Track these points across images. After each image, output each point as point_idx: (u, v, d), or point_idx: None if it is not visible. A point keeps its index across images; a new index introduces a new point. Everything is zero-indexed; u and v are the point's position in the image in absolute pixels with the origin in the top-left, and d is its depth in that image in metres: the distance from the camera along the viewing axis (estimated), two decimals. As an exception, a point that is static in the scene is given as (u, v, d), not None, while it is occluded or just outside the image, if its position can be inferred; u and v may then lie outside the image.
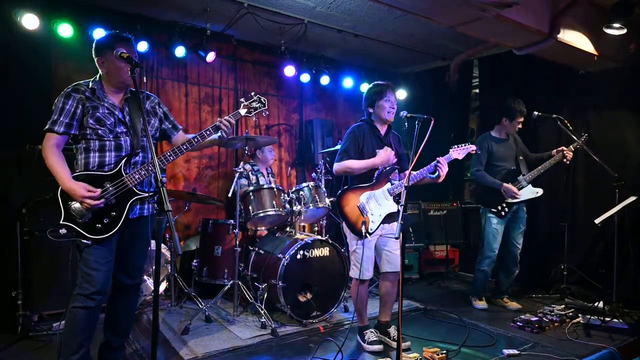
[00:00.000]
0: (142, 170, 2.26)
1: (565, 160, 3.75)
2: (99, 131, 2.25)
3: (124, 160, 2.27)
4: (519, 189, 3.80)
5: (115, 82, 2.32)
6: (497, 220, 3.84)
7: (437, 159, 2.89)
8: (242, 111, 2.52)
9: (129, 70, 2.16)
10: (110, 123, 2.28)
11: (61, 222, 2.19)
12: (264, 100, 2.57)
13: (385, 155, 2.96)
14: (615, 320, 3.47)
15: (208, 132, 2.38)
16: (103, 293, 2.26)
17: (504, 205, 3.80)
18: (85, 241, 2.19)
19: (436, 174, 2.90)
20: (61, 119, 2.22)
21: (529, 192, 3.85)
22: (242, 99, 2.57)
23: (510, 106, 3.84)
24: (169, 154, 2.30)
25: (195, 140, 2.36)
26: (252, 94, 2.58)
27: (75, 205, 2.17)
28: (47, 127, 2.23)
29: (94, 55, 2.32)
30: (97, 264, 2.22)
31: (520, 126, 3.91)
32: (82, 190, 2.13)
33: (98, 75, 2.35)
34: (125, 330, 2.57)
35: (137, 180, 2.25)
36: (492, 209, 3.82)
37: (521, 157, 3.99)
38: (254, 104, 2.54)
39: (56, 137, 2.23)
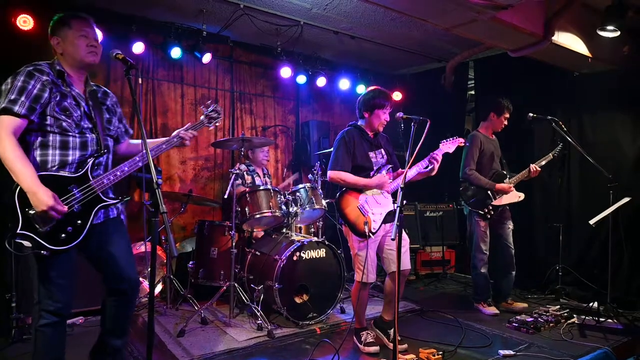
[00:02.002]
0: (110, 175, 2.04)
1: (530, 174, 3.82)
2: (64, 124, 1.96)
3: (90, 162, 2.02)
4: None
5: (71, 62, 2.06)
6: (484, 223, 3.86)
7: (431, 153, 2.92)
8: (205, 120, 2.42)
9: (87, 47, 2.03)
10: (77, 115, 2.00)
11: (18, 231, 1.83)
12: (219, 109, 2.48)
13: (380, 180, 2.95)
14: (609, 320, 3.50)
15: (167, 145, 2.25)
16: (68, 307, 2.05)
17: (490, 208, 3.81)
18: (44, 252, 1.89)
19: (429, 167, 2.93)
20: (22, 99, 1.84)
21: (512, 196, 3.85)
22: (202, 107, 2.47)
23: (499, 102, 3.88)
24: (125, 167, 2.08)
25: (155, 151, 2.22)
26: (209, 102, 2.49)
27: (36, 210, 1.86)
28: (2, 106, 1.83)
29: (49, 38, 2.08)
30: (61, 278, 1.97)
31: (506, 123, 3.93)
32: (49, 199, 1.82)
33: (56, 59, 2.07)
34: (123, 329, 2.38)
35: (106, 186, 2.04)
36: (479, 211, 3.84)
37: (504, 160, 4.03)
38: (213, 114, 2.44)
39: (15, 120, 1.83)
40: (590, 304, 3.78)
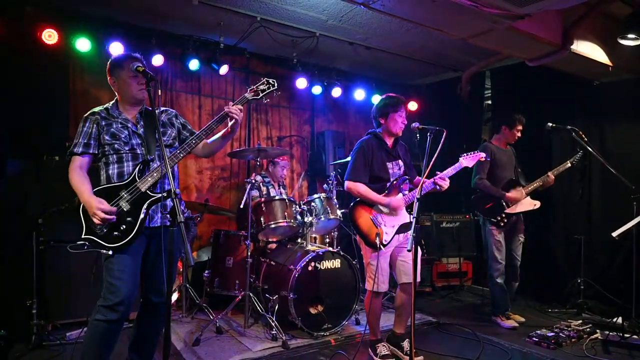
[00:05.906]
0: (154, 173, 2.27)
1: (545, 183, 3.80)
2: (115, 145, 2.32)
3: (138, 167, 2.30)
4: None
5: (127, 99, 2.39)
6: (498, 231, 3.82)
7: (435, 177, 2.89)
8: (249, 95, 2.44)
9: (137, 85, 2.30)
10: (124, 136, 2.34)
11: (83, 237, 2.25)
12: (273, 81, 2.46)
13: (397, 202, 2.94)
14: (635, 336, 3.37)
15: (215, 124, 2.39)
16: (127, 304, 2.23)
17: (503, 215, 3.78)
18: (105, 251, 2.21)
19: (437, 187, 2.92)
20: (79, 140, 2.32)
21: (527, 204, 3.83)
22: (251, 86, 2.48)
23: (511, 115, 3.88)
24: (178, 151, 2.33)
25: (204, 132, 2.38)
26: (262, 78, 2.48)
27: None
28: (69, 151, 2.34)
29: (107, 76, 2.41)
30: (120, 272, 2.22)
31: (519, 135, 3.90)
32: (97, 204, 2.17)
33: (115, 99, 2.44)
34: (149, 352, 2.54)
35: (150, 183, 2.26)
36: (492, 219, 3.80)
37: (519, 170, 3.98)
38: (262, 87, 2.45)
39: (78, 159, 2.32)
40: (614, 319, 3.66)
